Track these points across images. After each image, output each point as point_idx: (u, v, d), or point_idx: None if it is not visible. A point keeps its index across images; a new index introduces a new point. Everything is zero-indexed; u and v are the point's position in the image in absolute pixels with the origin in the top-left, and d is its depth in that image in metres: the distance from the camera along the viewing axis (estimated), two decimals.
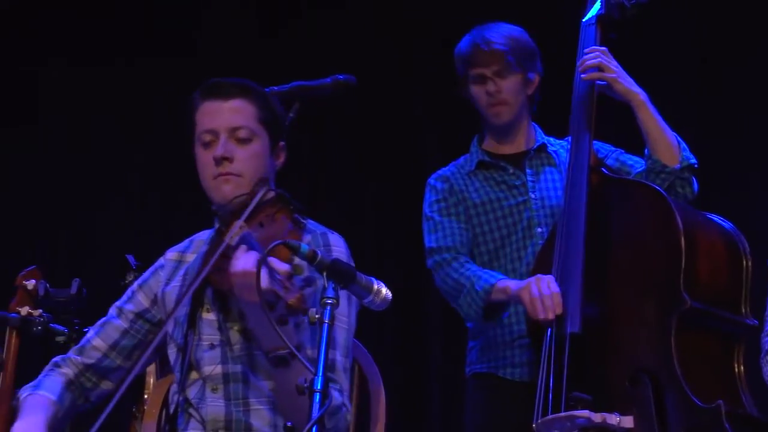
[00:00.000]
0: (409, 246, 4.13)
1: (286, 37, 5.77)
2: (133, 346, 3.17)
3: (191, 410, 3.03)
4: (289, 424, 2.86)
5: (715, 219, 3.66)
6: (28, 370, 3.28)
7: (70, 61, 5.89)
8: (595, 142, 3.91)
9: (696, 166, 3.83)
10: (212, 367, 3.01)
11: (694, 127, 4.44)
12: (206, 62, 5.72)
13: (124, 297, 3.23)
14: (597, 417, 3.35)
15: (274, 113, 3.14)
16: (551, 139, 4.13)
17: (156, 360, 3.87)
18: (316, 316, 2.64)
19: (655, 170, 3.80)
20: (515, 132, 4.08)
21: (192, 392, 3.03)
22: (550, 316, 3.56)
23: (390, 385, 3.52)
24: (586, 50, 3.85)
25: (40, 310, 3.87)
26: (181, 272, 3.17)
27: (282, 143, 3.17)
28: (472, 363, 4.05)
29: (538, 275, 3.64)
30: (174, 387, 3.08)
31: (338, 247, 3.09)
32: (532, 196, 4.01)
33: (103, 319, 3.22)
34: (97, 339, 3.18)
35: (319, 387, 2.57)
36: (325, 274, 2.68)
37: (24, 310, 3.86)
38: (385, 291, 2.71)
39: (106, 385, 3.18)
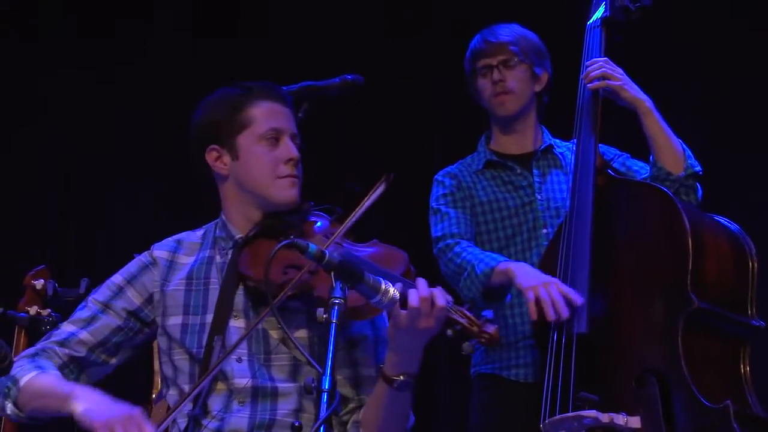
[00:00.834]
0: (416, 245, 4.12)
1: (292, 35, 5.77)
2: (121, 343, 3.10)
3: (207, 420, 2.97)
4: (297, 423, 2.87)
5: (722, 220, 3.66)
6: None
7: (78, 59, 5.89)
8: (600, 145, 3.92)
9: (701, 173, 3.83)
10: (241, 380, 2.96)
11: (700, 128, 4.44)
12: (208, 63, 5.73)
13: (107, 292, 3.12)
14: (604, 417, 3.36)
15: None
16: (557, 140, 4.14)
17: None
18: (324, 316, 2.64)
19: (659, 177, 3.80)
20: (522, 129, 4.08)
21: (215, 404, 2.98)
22: (552, 317, 3.54)
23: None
24: (587, 63, 3.86)
25: (49, 310, 3.89)
26: (180, 274, 3.10)
27: None
28: (476, 364, 4.05)
29: (545, 278, 3.62)
30: (174, 397, 3.03)
31: None
32: (538, 197, 4.01)
33: (85, 314, 3.11)
34: (85, 334, 3.07)
35: (326, 387, 2.57)
36: (333, 274, 2.68)
37: (33, 310, 3.88)
38: (392, 291, 2.72)
39: (83, 380, 3.08)
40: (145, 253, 3.16)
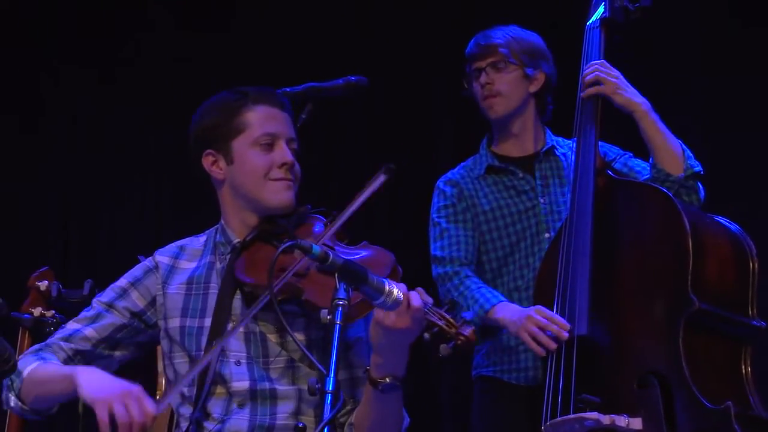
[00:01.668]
0: (419, 248, 4.13)
1: (297, 35, 5.78)
2: (126, 341, 3.12)
3: (209, 423, 2.99)
4: (300, 425, 2.88)
5: (722, 221, 3.66)
6: None
7: (82, 59, 5.89)
8: (603, 144, 3.92)
9: (702, 173, 3.84)
10: (240, 383, 2.98)
11: (700, 130, 4.44)
12: (210, 65, 5.73)
13: (111, 294, 3.14)
14: (606, 419, 3.37)
15: None
16: (560, 139, 4.13)
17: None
18: (328, 317, 2.65)
19: (659, 179, 3.80)
20: (520, 131, 4.07)
21: (215, 407, 2.99)
22: (552, 346, 3.57)
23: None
24: (585, 67, 3.86)
25: (53, 311, 3.88)
26: (181, 278, 3.11)
27: None
28: (478, 366, 4.05)
29: (528, 313, 3.65)
30: (177, 399, 3.04)
31: None
32: (541, 201, 4.01)
33: (90, 313, 3.14)
34: (90, 330, 3.10)
35: (330, 388, 2.58)
36: (336, 275, 2.69)
37: (37, 311, 3.87)
38: (396, 292, 2.72)
39: None
40: (149, 258, 3.18)
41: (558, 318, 3.59)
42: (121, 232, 5.82)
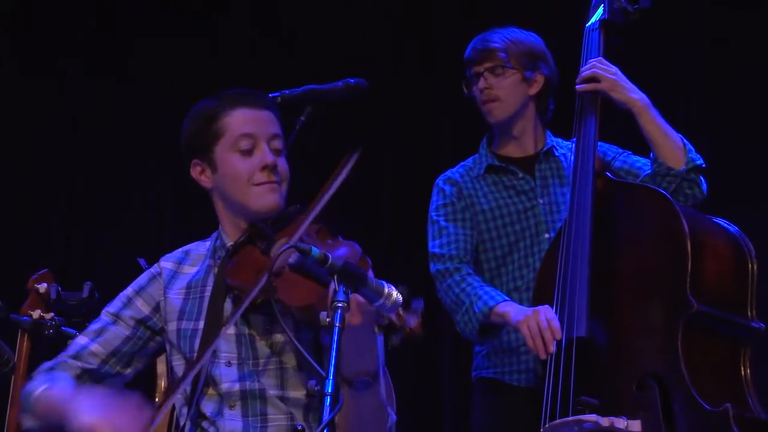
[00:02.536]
0: (420, 249, 4.13)
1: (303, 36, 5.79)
2: (134, 353, 3.12)
3: (205, 424, 3.00)
4: (299, 426, 2.89)
5: (721, 223, 3.66)
6: None
7: (85, 61, 5.90)
8: (602, 144, 3.92)
9: (703, 166, 3.83)
10: (230, 384, 2.98)
11: (700, 131, 4.45)
12: (211, 66, 5.74)
13: (118, 303, 3.15)
14: (605, 421, 3.36)
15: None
16: (559, 140, 4.13)
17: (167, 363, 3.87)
18: (327, 319, 2.65)
19: (660, 173, 3.81)
20: (520, 133, 4.07)
21: (208, 408, 3.00)
22: (550, 350, 3.58)
23: (399, 387, 3.53)
24: (583, 67, 3.87)
25: (52, 314, 3.89)
26: (182, 282, 3.12)
27: None
28: (478, 367, 4.05)
29: (535, 309, 3.65)
30: (180, 400, 3.05)
31: None
32: (541, 201, 4.01)
33: (97, 325, 3.14)
34: (96, 345, 3.10)
35: (330, 390, 2.58)
36: (335, 277, 2.69)
37: (36, 314, 3.88)
38: (395, 294, 2.71)
39: None
40: (155, 264, 3.19)
41: (555, 325, 3.59)
42: (122, 235, 5.82)
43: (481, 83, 4.00)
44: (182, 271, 3.14)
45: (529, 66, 4.01)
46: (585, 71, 3.83)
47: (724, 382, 3.47)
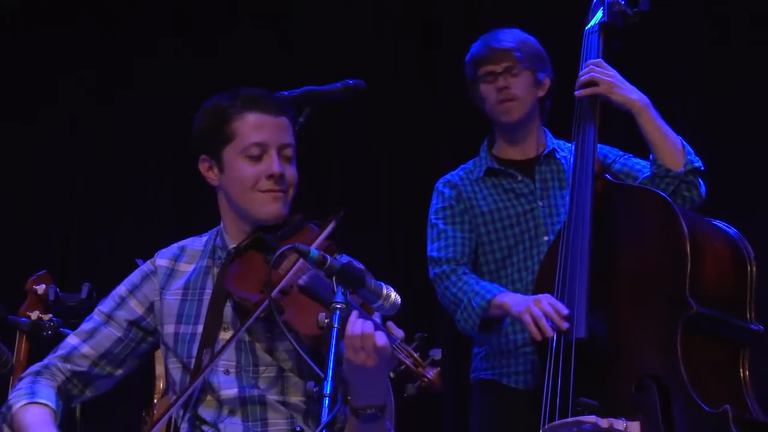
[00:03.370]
0: (420, 251, 4.13)
1: (300, 38, 5.79)
2: (126, 354, 3.11)
3: (205, 427, 2.99)
4: (298, 428, 2.89)
5: (720, 225, 3.66)
6: None
7: (86, 63, 5.90)
8: (602, 146, 3.92)
9: (702, 168, 3.83)
10: (229, 392, 2.97)
11: (700, 132, 4.45)
12: (211, 66, 5.74)
13: (111, 303, 3.14)
14: (604, 422, 3.37)
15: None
16: (561, 142, 4.13)
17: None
18: (326, 321, 2.65)
19: (659, 175, 3.81)
20: (525, 135, 4.08)
21: (207, 414, 2.99)
22: (563, 327, 3.57)
23: (399, 391, 3.53)
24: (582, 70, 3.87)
25: (51, 315, 3.89)
26: (179, 282, 3.11)
27: None
28: (476, 369, 4.06)
29: (535, 297, 3.66)
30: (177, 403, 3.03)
31: None
32: (540, 204, 4.01)
33: (89, 326, 3.13)
34: (87, 347, 3.09)
35: (328, 392, 2.58)
36: (334, 278, 2.69)
37: (34, 315, 3.88)
38: (394, 296, 2.72)
39: (90, 392, 3.12)
40: (148, 261, 3.17)
41: (562, 309, 3.58)
42: (120, 236, 5.82)
43: (501, 82, 3.99)
44: (178, 269, 3.13)
45: (539, 68, 4.03)
46: (583, 75, 3.83)
47: (723, 384, 3.47)
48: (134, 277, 3.16)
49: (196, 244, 3.18)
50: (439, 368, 2.66)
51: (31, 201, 5.87)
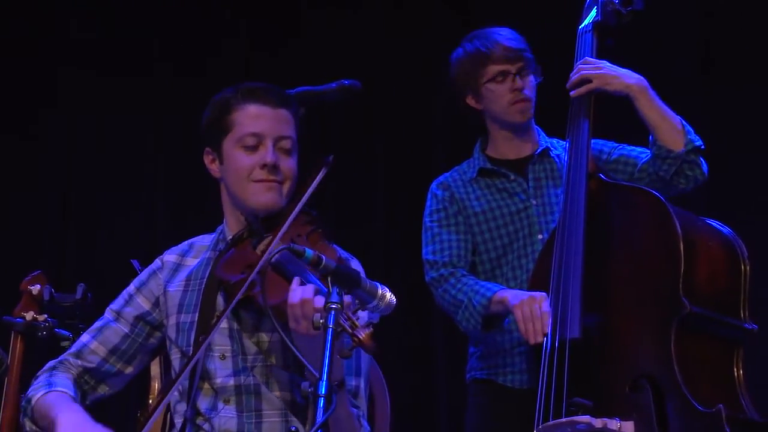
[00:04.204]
0: (415, 252, 4.13)
1: (298, 39, 5.79)
2: (134, 350, 3.14)
3: (200, 421, 3.01)
4: (293, 429, 2.89)
5: (714, 224, 3.66)
6: (33, 375, 3.26)
7: (82, 64, 5.89)
8: (596, 141, 3.92)
9: (703, 147, 3.82)
10: (224, 379, 3.00)
11: (700, 132, 4.45)
12: (208, 67, 5.74)
13: (121, 301, 3.19)
14: (598, 422, 3.37)
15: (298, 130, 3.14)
16: (554, 140, 4.13)
17: (161, 364, 3.87)
18: (321, 321, 2.65)
19: (661, 156, 3.80)
20: (523, 134, 4.08)
21: (203, 404, 3.02)
22: (539, 339, 3.59)
23: (395, 390, 3.54)
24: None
25: (45, 315, 3.89)
26: (182, 275, 3.15)
27: None
28: (472, 369, 4.05)
29: (532, 294, 3.66)
30: (176, 396, 3.06)
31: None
32: (534, 202, 4.01)
33: (100, 323, 3.18)
34: (95, 343, 3.14)
35: (323, 392, 2.59)
36: (329, 278, 2.69)
37: (29, 315, 3.88)
38: (389, 296, 2.73)
39: (103, 389, 3.15)
40: (157, 258, 3.22)
41: (545, 321, 3.58)
42: (115, 237, 5.82)
43: (518, 83, 3.98)
44: (184, 263, 3.17)
45: (538, 68, 4.03)
46: (573, 75, 3.84)
47: (717, 383, 3.47)
48: (143, 274, 3.22)
49: (204, 240, 3.22)
50: (371, 329, 2.64)
51: (25, 201, 5.86)
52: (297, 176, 3.09)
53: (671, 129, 3.81)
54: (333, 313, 2.65)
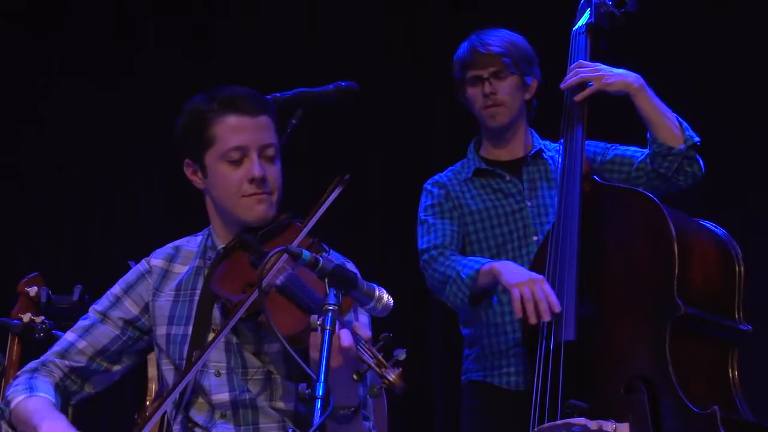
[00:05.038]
0: (412, 253, 4.14)
1: (294, 39, 5.79)
2: (122, 351, 3.11)
3: (197, 430, 2.99)
4: (290, 430, 2.89)
5: (708, 225, 3.68)
6: None
7: (78, 67, 5.89)
8: (590, 142, 3.93)
9: (699, 143, 3.83)
10: (220, 395, 2.97)
11: (698, 132, 4.47)
12: (206, 66, 5.74)
13: (106, 302, 3.14)
14: (593, 424, 3.37)
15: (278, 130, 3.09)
16: (547, 143, 4.13)
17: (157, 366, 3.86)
18: (318, 322, 2.66)
19: (661, 153, 3.81)
20: (512, 137, 4.08)
21: (199, 417, 2.99)
22: (546, 318, 3.57)
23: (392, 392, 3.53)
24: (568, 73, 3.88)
25: (42, 317, 3.88)
26: (172, 284, 3.11)
27: None
28: (467, 370, 4.06)
29: (531, 275, 3.64)
30: (170, 407, 3.03)
31: None
32: (528, 204, 4.02)
33: (86, 323, 3.13)
34: (84, 343, 3.09)
35: (320, 393, 2.59)
36: (327, 280, 2.70)
37: (26, 317, 3.87)
38: (386, 297, 2.73)
39: (89, 388, 3.12)
40: (143, 260, 3.17)
41: (553, 300, 3.57)
42: (112, 238, 5.82)
43: (487, 88, 3.98)
44: (172, 270, 3.13)
45: (527, 71, 4.03)
46: (570, 79, 3.84)
47: (712, 385, 3.48)
48: (129, 276, 3.16)
49: (190, 244, 3.17)
50: (400, 369, 2.64)
51: (22, 203, 5.86)
52: (282, 182, 3.05)
53: (670, 126, 3.82)
54: (330, 314, 2.65)
